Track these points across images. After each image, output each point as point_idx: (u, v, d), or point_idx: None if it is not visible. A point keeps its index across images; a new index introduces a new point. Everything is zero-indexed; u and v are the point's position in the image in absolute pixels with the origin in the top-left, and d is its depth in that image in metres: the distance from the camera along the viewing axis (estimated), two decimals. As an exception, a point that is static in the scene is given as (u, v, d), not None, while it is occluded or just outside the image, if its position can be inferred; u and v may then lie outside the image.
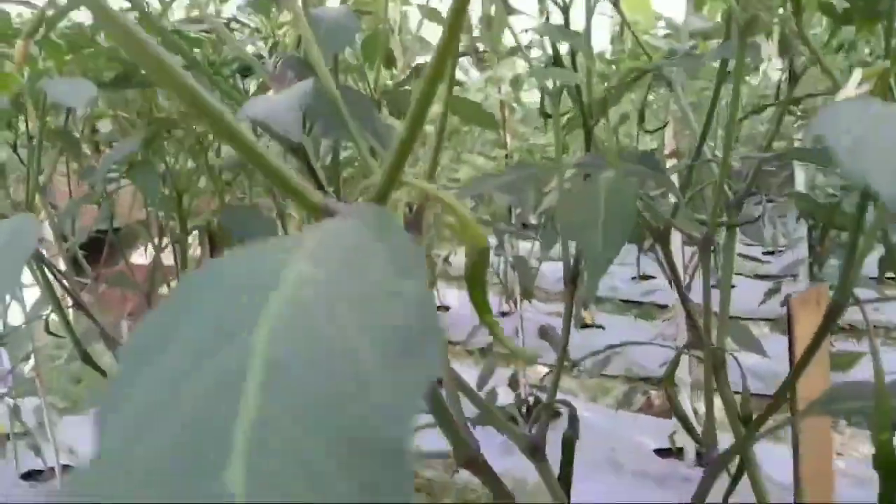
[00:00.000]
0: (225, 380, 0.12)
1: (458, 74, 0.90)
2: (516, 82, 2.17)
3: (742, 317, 2.74)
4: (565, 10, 0.58)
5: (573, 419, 0.59)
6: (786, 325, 0.62)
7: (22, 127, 1.14)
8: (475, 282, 0.27)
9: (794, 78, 0.70)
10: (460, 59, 0.94)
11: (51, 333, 0.97)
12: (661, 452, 2.39)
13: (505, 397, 2.33)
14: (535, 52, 0.82)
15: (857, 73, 0.34)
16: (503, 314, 3.82)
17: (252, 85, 0.85)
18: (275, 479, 0.10)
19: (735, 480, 0.72)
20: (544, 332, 1.65)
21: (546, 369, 2.49)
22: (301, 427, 0.11)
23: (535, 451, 0.56)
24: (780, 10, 0.45)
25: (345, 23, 0.59)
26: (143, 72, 0.85)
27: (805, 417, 0.40)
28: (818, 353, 0.40)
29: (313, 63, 0.42)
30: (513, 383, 2.71)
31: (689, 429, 0.66)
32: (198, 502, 0.10)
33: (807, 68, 0.66)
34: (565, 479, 0.58)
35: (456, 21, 0.22)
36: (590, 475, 2.13)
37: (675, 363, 0.82)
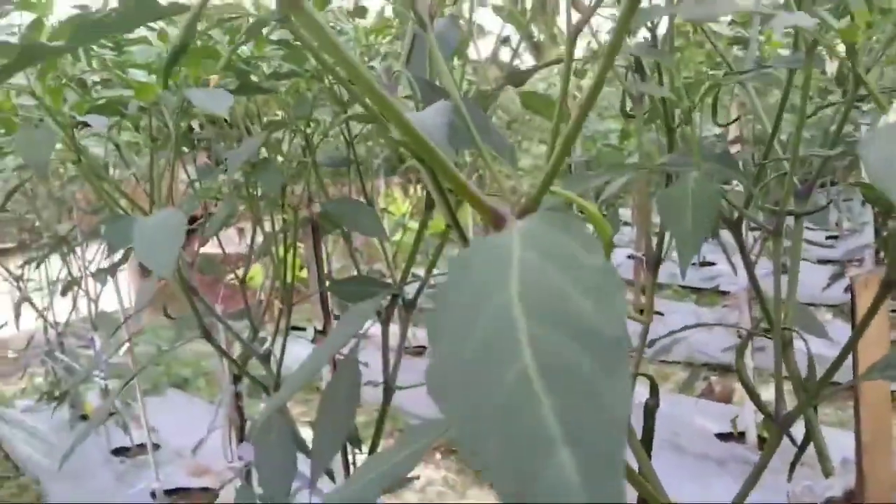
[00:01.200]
0: (502, 310, 0.21)
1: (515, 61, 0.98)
2: (580, 70, 2.22)
3: (805, 303, 2.74)
4: (653, 30, 0.64)
5: (654, 389, 0.66)
6: (849, 312, 0.67)
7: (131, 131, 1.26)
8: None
9: (858, 79, 0.74)
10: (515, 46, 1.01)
11: (168, 316, 1.08)
12: (722, 437, 2.42)
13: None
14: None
15: (899, 101, 0.40)
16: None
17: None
18: (549, 361, 0.19)
19: (802, 448, 0.77)
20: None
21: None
22: (555, 333, 0.19)
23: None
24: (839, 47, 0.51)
25: (450, 32, 0.67)
26: (254, 79, 0.95)
27: (864, 380, 0.46)
28: (879, 325, 0.46)
29: (444, 81, 0.48)
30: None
31: (755, 399, 0.72)
32: (509, 373, 0.18)
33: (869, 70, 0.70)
34: (647, 441, 0.65)
35: (606, 68, 0.30)
36: (653, 457, 2.18)
37: (744, 344, 0.88)
